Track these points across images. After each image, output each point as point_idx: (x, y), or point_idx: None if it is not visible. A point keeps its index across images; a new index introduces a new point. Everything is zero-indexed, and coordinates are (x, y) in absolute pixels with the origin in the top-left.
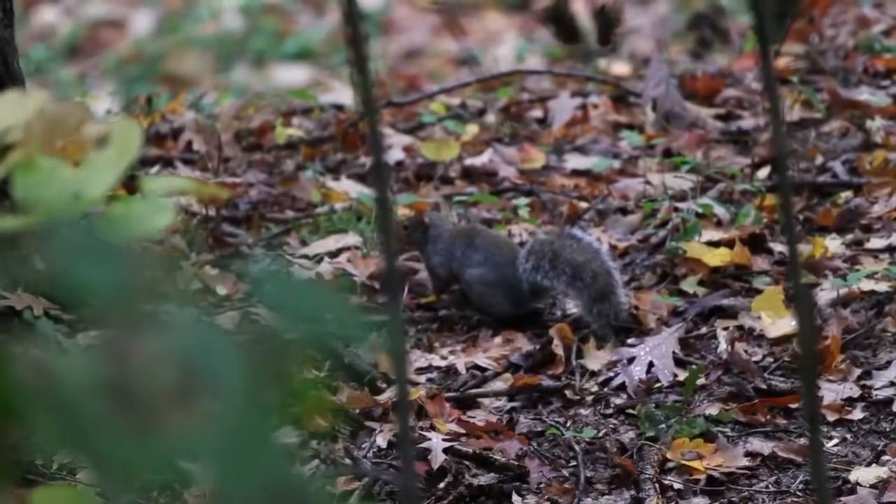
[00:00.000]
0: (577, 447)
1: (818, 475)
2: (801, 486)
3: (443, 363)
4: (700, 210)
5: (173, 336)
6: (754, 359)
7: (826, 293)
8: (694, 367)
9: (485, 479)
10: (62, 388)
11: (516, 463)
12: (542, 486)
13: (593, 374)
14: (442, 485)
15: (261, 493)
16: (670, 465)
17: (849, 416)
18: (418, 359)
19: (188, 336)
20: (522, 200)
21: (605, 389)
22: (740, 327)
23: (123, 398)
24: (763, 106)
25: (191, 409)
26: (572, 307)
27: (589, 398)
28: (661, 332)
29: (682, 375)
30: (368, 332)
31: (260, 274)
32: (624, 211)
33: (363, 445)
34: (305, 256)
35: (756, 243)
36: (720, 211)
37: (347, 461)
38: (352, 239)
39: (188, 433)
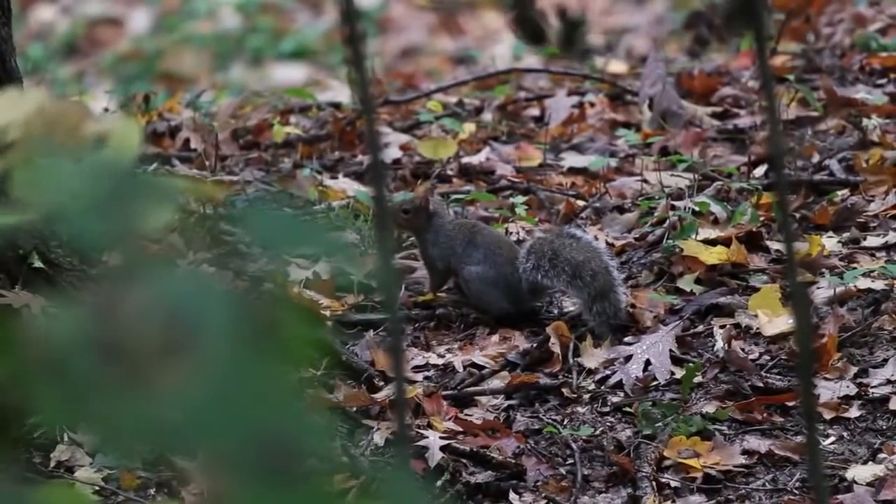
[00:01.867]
0: (574, 445)
1: (815, 473)
2: (797, 484)
3: (440, 361)
4: (697, 208)
5: (163, 287)
6: (751, 357)
7: (823, 291)
8: (691, 365)
9: (482, 477)
10: (53, 346)
11: (513, 461)
12: (539, 484)
13: (590, 372)
14: (439, 483)
15: (254, 446)
16: (667, 463)
17: (845, 414)
18: (415, 357)
19: (179, 287)
20: (519, 199)
21: (603, 387)
22: (737, 325)
23: (114, 354)
24: (760, 104)
25: (182, 363)
26: (569, 305)
27: (586, 396)
28: (658, 330)
29: (679, 373)
30: (351, 254)
31: (246, 207)
32: (621, 209)
33: (361, 443)
34: (302, 255)
35: (753, 241)
36: (717, 209)
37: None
38: (349, 237)
39: (179, 387)
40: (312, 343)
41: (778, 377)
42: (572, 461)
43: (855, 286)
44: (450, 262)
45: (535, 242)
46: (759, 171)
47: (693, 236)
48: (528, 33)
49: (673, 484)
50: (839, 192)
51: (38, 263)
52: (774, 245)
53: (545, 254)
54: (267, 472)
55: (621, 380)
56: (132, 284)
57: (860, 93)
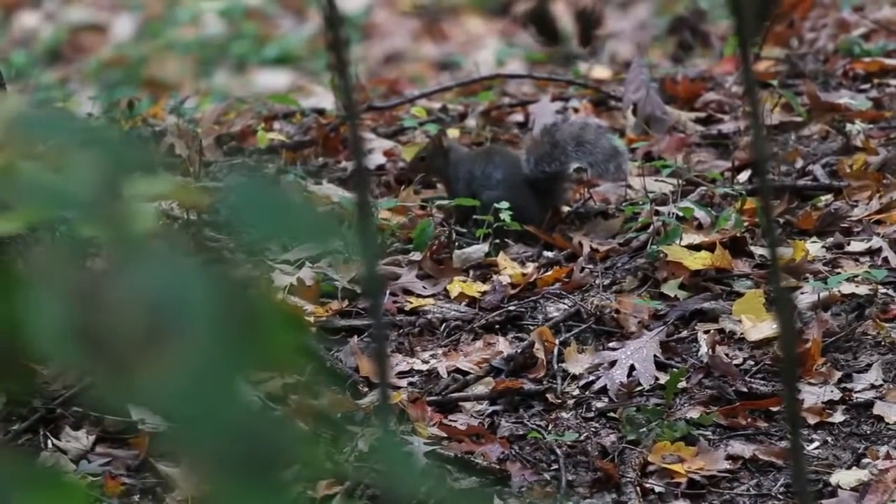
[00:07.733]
0: (558, 451)
1: (799, 478)
2: (782, 489)
3: (424, 367)
4: (681, 213)
5: (142, 272)
6: (735, 362)
7: (806, 296)
8: (675, 370)
9: (466, 482)
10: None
11: (498, 467)
12: (523, 489)
13: (574, 377)
14: (423, 488)
15: (230, 440)
16: (651, 468)
17: (829, 419)
18: (400, 363)
19: (158, 272)
20: (504, 204)
21: (587, 393)
22: (721, 330)
23: (91, 340)
24: (743, 109)
25: (159, 352)
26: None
27: (570, 402)
28: (643, 335)
29: (664, 379)
30: (338, 238)
31: (231, 186)
32: (605, 215)
33: (345, 450)
34: (287, 261)
35: (737, 247)
36: (701, 214)
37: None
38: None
39: (155, 377)
40: (294, 333)
41: (762, 382)
42: (556, 467)
43: (839, 291)
44: (472, 188)
45: (529, 144)
46: (743, 176)
47: (677, 241)
48: (544, 33)
49: (657, 489)
50: (823, 198)
51: None
52: (758, 250)
53: (544, 144)
54: (248, 465)
55: (605, 385)
56: (115, 272)
57: (844, 98)
